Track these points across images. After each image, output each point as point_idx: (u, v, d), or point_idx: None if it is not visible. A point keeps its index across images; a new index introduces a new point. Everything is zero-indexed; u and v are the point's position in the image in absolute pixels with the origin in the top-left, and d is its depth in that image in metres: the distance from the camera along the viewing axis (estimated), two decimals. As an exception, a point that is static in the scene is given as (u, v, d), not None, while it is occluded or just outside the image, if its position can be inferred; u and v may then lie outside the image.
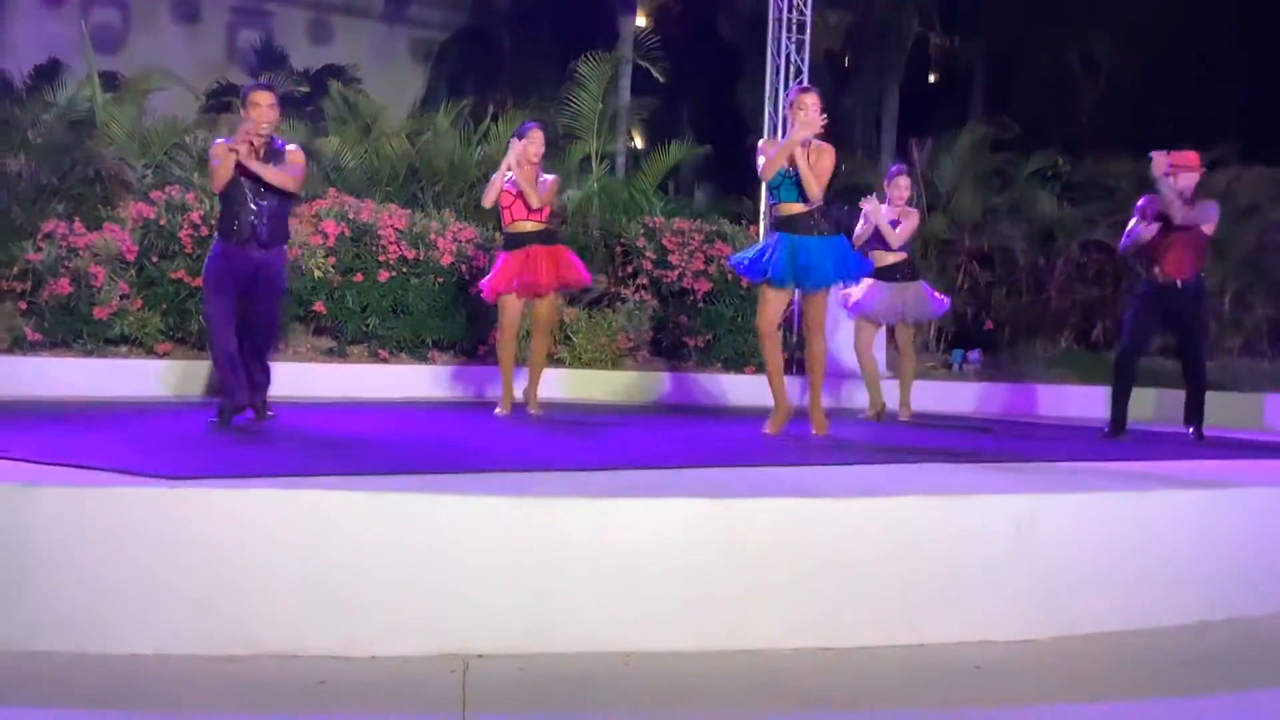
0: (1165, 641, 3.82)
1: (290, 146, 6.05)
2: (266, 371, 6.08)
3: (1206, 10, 18.21)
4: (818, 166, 6.01)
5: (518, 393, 7.56)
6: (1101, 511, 4.01)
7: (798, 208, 6.06)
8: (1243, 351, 12.77)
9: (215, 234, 6.06)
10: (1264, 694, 3.36)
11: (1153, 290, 7.12)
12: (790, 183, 6.05)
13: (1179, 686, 3.39)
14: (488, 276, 7.45)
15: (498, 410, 7.29)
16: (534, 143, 7.18)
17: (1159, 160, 6.94)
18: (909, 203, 8.20)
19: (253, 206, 5.82)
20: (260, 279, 5.88)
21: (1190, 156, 7.02)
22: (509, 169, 7.15)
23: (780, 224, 6.14)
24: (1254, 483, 4.78)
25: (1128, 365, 7.25)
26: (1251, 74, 17.96)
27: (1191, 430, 7.10)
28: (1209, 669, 3.61)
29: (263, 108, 5.81)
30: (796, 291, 6.36)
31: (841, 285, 6.65)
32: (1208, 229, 7.01)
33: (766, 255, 6.14)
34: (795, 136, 5.97)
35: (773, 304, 6.17)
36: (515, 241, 7.20)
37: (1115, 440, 6.98)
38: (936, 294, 8.31)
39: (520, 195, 7.16)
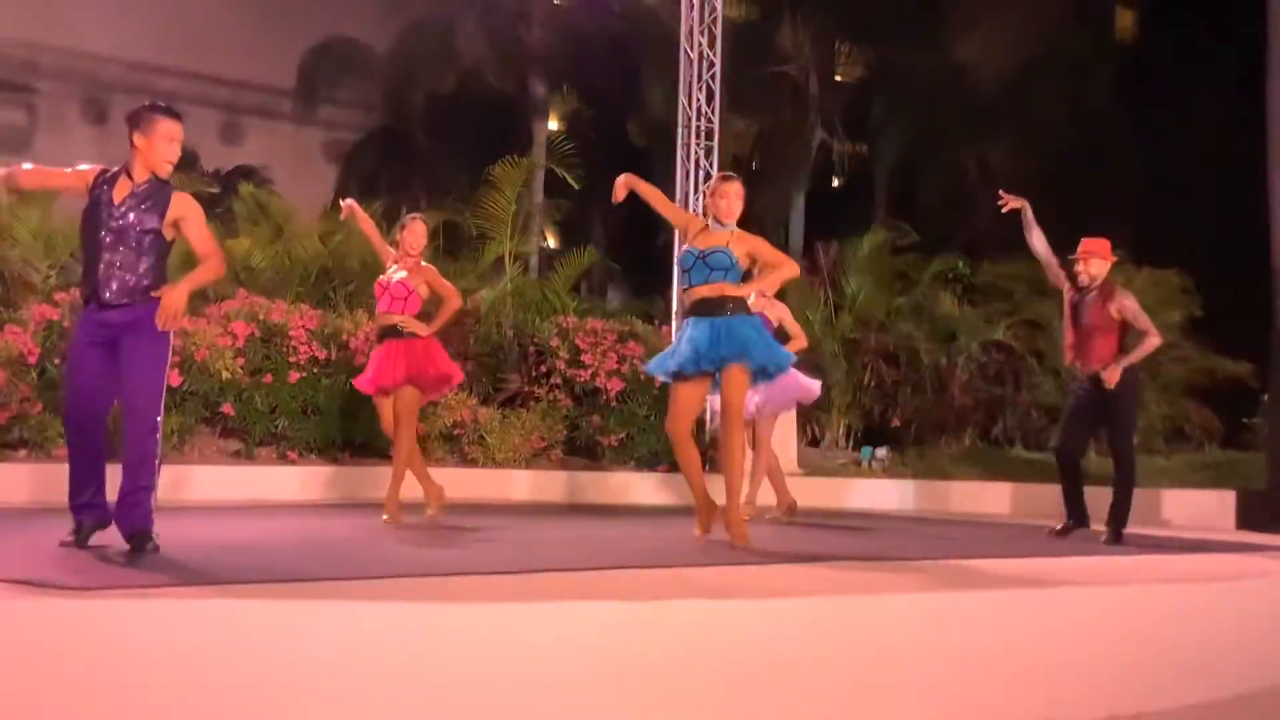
0: (1072, 737, 3.89)
1: (181, 205, 4.83)
2: (129, 481, 4.70)
3: (1097, 120, 19.13)
4: (762, 256, 5.89)
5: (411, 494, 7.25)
6: (1009, 608, 4.10)
7: (703, 292, 5.76)
8: (1139, 448, 13.15)
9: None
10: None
11: (1077, 383, 7.18)
12: (702, 264, 5.75)
13: (1086, 782, 3.45)
14: None
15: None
16: (413, 234, 7.02)
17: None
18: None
19: (105, 254, 4.67)
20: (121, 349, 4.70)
21: (1088, 244, 7.10)
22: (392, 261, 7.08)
23: (690, 309, 5.87)
24: (1157, 579, 4.93)
25: (1060, 461, 7.21)
26: (1140, 180, 18.83)
27: (1106, 530, 6.90)
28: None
29: (176, 144, 4.77)
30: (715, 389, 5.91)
31: (758, 365, 5.79)
32: (1119, 314, 7.00)
33: (675, 346, 5.89)
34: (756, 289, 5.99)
35: (683, 401, 5.79)
36: (380, 335, 7.06)
37: (1067, 535, 6.98)
38: (804, 380, 8.01)
39: (388, 288, 6.96)
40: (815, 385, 8.15)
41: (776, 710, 3.62)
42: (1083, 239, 7.13)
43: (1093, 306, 7.04)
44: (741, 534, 5.67)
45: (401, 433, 6.96)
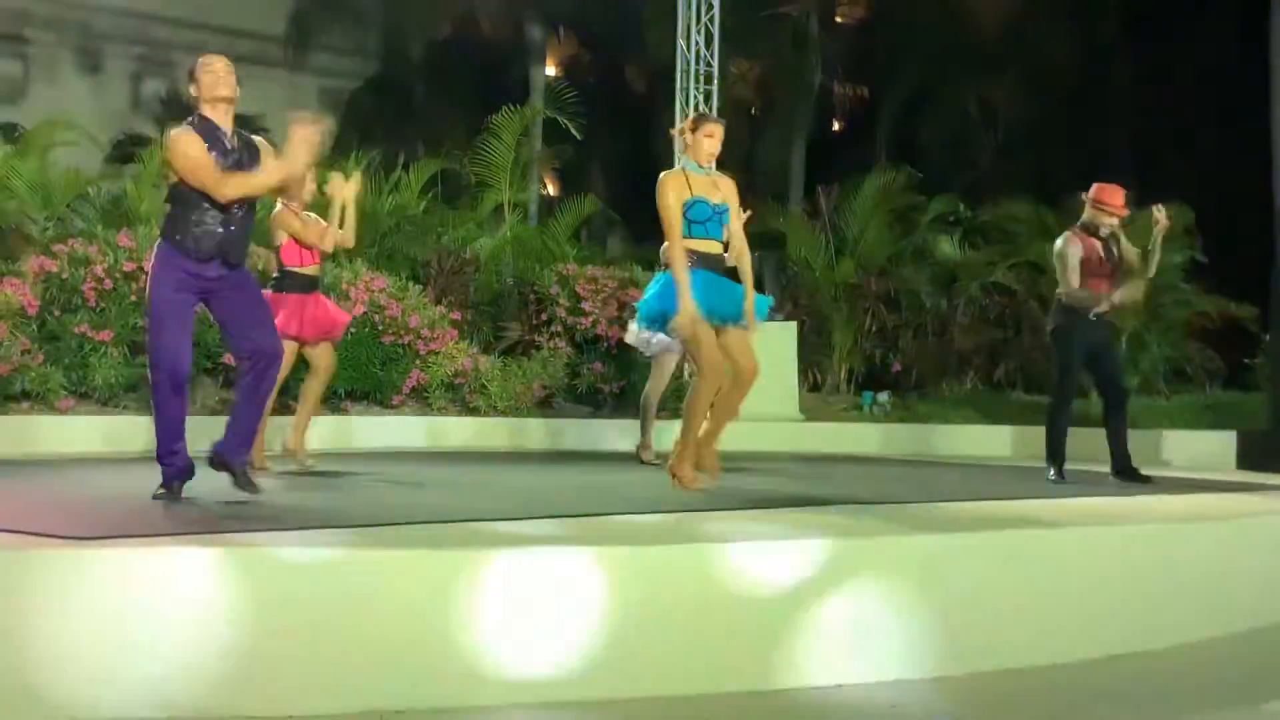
0: (1074, 676, 3.91)
1: (262, 146, 5.02)
2: (250, 420, 5.06)
3: (1099, 60, 18.94)
4: (736, 214, 5.70)
5: (276, 445, 7.20)
6: (1009, 550, 4.11)
7: (718, 248, 5.52)
8: (1140, 390, 13.15)
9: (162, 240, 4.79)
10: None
11: (1071, 323, 6.78)
12: (718, 220, 5.46)
13: (1086, 720, 3.48)
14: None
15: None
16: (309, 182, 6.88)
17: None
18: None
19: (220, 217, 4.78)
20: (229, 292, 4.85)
21: (1108, 192, 6.87)
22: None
23: (709, 262, 5.45)
24: (1156, 519, 4.94)
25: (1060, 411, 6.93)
26: (1142, 121, 18.67)
27: (1136, 472, 6.80)
28: (1117, 703, 3.71)
29: (208, 81, 4.70)
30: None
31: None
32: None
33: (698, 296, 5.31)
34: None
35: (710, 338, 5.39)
36: (304, 284, 7.01)
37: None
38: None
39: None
40: None
41: (780, 650, 3.64)
42: (1117, 186, 6.94)
43: (1116, 248, 6.93)
44: (716, 466, 5.76)
45: (322, 382, 7.09)
